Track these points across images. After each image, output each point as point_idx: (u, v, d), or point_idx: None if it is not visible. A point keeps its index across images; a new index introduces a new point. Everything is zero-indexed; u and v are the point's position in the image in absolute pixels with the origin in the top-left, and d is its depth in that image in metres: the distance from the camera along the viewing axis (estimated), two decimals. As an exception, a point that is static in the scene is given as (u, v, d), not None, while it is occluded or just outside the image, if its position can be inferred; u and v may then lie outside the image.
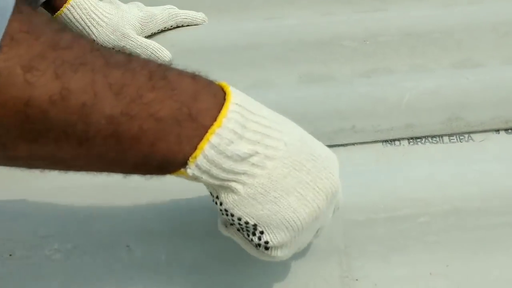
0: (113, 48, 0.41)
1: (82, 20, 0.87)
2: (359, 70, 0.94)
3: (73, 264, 0.62)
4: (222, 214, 0.46)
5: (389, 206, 0.67)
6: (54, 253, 0.62)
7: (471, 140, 0.81)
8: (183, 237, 0.64)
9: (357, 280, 0.64)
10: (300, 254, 0.64)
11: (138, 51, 0.92)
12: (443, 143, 0.83)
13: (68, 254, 0.62)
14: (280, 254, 0.47)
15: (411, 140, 0.84)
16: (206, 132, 0.40)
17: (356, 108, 0.82)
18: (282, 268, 0.64)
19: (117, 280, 0.62)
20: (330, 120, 0.81)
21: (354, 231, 0.67)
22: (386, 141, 0.84)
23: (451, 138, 0.83)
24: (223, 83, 0.44)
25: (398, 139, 0.84)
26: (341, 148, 0.83)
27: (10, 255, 0.63)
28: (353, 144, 0.83)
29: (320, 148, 0.50)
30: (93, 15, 0.88)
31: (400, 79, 0.89)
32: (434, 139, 0.83)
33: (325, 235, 0.62)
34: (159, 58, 0.93)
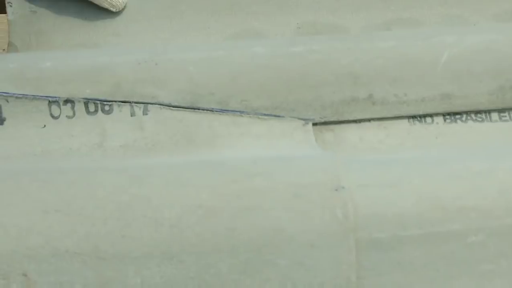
0: None
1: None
2: (377, 20, 0.70)
3: None
4: None
5: (423, 218, 0.45)
6: None
7: (530, 119, 0.60)
8: (112, 262, 0.42)
9: (375, 328, 0.43)
10: (295, 280, 0.42)
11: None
12: (491, 121, 0.60)
13: None
14: None
15: (448, 117, 0.61)
16: None
17: (374, 70, 0.59)
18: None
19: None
20: (338, 86, 0.58)
21: (372, 256, 0.45)
22: (414, 117, 0.62)
23: (502, 115, 0.61)
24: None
25: (431, 115, 0.62)
26: (353, 126, 0.60)
27: None
28: (368, 120, 0.60)
29: None
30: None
31: (433, 33, 0.65)
32: (479, 115, 0.61)
33: (329, 259, 0.41)
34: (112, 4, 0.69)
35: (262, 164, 0.47)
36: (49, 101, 0.57)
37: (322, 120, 0.60)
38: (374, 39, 0.62)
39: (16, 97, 0.56)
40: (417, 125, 0.61)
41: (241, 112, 0.58)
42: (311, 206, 0.44)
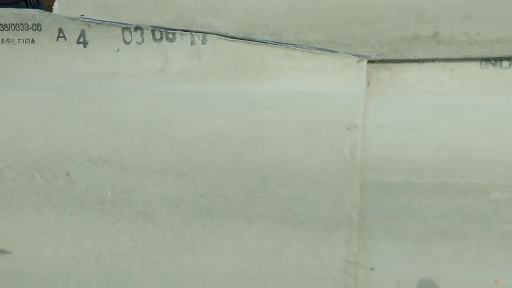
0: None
1: None
2: None
3: (7, 187, 0.50)
4: None
5: (442, 167, 0.42)
6: (-14, 170, 0.50)
7: None
8: (134, 173, 0.47)
9: (372, 269, 0.43)
10: (293, 218, 0.43)
11: None
12: None
13: (1, 174, 0.50)
14: None
15: (528, 62, 0.53)
16: None
17: (442, 4, 0.53)
18: (265, 238, 0.45)
19: (56, 214, 0.49)
20: (400, 21, 0.54)
21: (380, 199, 0.43)
22: (487, 59, 0.55)
23: None
24: None
25: (509, 58, 0.54)
26: (414, 65, 0.56)
27: None
28: (432, 60, 0.55)
29: None
30: None
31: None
32: None
33: (331, 196, 0.41)
34: None
35: (282, 98, 0.48)
36: (122, 27, 0.62)
37: (379, 58, 0.56)
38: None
39: (96, 23, 0.63)
40: (489, 69, 0.54)
41: (294, 45, 0.58)
42: (319, 142, 0.44)
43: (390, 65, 0.57)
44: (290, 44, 0.58)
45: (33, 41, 0.65)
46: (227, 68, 0.58)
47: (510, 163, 0.41)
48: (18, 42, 0.65)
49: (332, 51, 0.57)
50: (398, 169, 0.42)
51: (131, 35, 0.62)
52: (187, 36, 0.61)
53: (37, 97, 0.52)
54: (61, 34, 0.64)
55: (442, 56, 0.55)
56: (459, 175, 0.41)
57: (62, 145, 0.49)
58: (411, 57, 0.56)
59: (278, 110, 0.46)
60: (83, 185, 0.48)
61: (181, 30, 0.61)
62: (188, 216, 0.47)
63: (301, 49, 0.58)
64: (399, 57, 0.56)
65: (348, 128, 0.43)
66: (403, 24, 0.54)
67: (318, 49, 0.58)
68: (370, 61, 0.57)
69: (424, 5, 0.54)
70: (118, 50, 0.62)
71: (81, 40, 0.64)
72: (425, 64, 0.56)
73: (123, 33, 0.62)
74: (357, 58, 0.57)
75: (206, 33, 0.60)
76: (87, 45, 0.64)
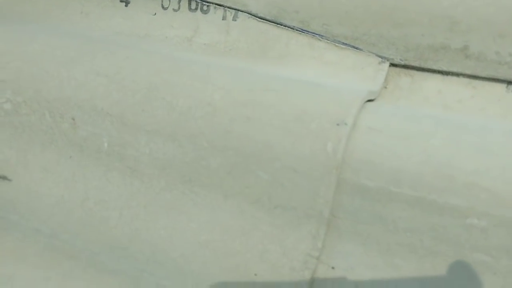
0: None
1: None
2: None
3: (21, 121, 0.53)
4: None
5: (423, 181, 0.40)
6: (5, 102, 0.54)
7: None
8: (130, 129, 0.49)
9: (333, 268, 0.42)
10: (267, 201, 0.44)
11: None
12: None
13: (17, 107, 0.53)
14: None
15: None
16: None
17: (478, 18, 0.51)
18: (237, 216, 0.46)
19: (58, 154, 0.52)
20: (430, 29, 0.52)
21: (355, 200, 0.43)
22: (515, 83, 0.52)
23: None
24: None
25: (536, 84, 0.51)
26: (437, 76, 0.54)
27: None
28: (457, 74, 0.53)
29: None
30: None
31: None
32: None
33: (307, 188, 0.41)
34: None
35: (286, 83, 0.47)
36: (162, -8, 0.64)
37: (402, 63, 0.55)
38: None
39: (139, -16, 0.65)
40: (515, 94, 0.51)
41: (321, 36, 0.57)
42: (306, 132, 0.43)
43: (413, 72, 0.55)
44: (317, 34, 0.58)
45: (81, -8, 0.68)
46: (251, 47, 0.59)
47: (493, 190, 0.39)
48: (69, -9, 0.69)
49: (357, 48, 0.56)
50: (378, 175, 0.41)
51: (170, 1, 0.64)
52: (220, 10, 0.62)
53: (64, 43, 0.55)
54: (107, -10, 0.67)
55: (468, 72, 0.53)
56: (439, 193, 0.40)
57: (73, 91, 0.51)
58: (435, 67, 0.54)
59: (275, 94, 0.46)
60: (84, 132, 0.51)
61: (216, 3, 0.62)
62: (172, 180, 0.48)
63: (326, 40, 0.57)
64: (423, 65, 0.54)
65: (337, 124, 0.43)
66: (433, 32, 0.52)
67: (343, 43, 0.57)
68: (393, 65, 0.56)
69: (458, 15, 0.51)
70: (155, 14, 0.64)
71: (124, -1, 0.66)
72: (449, 77, 0.54)
73: (162, -2, 0.65)
74: (380, 59, 0.55)
75: (239, 10, 0.61)
76: (129, 5, 0.66)
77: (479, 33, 0.51)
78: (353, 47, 0.56)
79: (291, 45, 0.58)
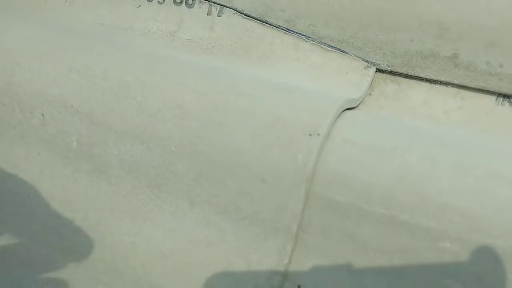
0: None
1: None
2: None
3: (-11, 114, 0.52)
4: None
5: (395, 199, 0.38)
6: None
7: None
8: (99, 128, 0.47)
9: (299, 286, 0.40)
10: (234, 212, 0.42)
11: None
12: None
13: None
14: None
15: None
16: None
17: (470, 26, 0.48)
18: (202, 226, 0.44)
19: (27, 150, 0.50)
20: (419, 34, 0.50)
21: (324, 215, 0.40)
22: (505, 96, 0.49)
23: None
24: None
25: (529, 100, 0.49)
26: (424, 85, 0.52)
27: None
28: (445, 84, 0.51)
29: None
30: None
31: None
32: None
33: (275, 200, 0.39)
34: None
35: (262, 87, 0.45)
36: (148, -15, 0.62)
37: (389, 69, 0.52)
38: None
39: (125, -24, 0.63)
40: (505, 107, 0.49)
41: (307, 37, 0.55)
42: (277, 141, 0.41)
43: (400, 79, 0.53)
44: (302, 34, 0.55)
45: (67, -19, 0.66)
46: (234, 45, 0.57)
47: (467, 213, 0.36)
48: (54, -20, 0.67)
49: (342, 51, 0.54)
50: (349, 190, 0.39)
51: (155, -7, 0.62)
52: (206, 5, 0.60)
53: (39, 35, 0.53)
54: (92, -20, 0.65)
55: (456, 82, 0.50)
56: (411, 213, 0.38)
57: (44, 86, 0.50)
58: (423, 75, 0.51)
59: (248, 98, 0.44)
60: (54, 129, 0.49)
61: (201, 0, 0.60)
62: (139, 184, 0.46)
63: (312, 42, 0.55)
64: (410, 72, 0.52)
65: (310, 134, 0.40)
66: (422, 38, 0.50)
67: (329, 46, 0.54)
68: (379, 70, 0.53)
69: (449, 22, 0.49)
70: (140, 6, 0.62)
71: (109, -11, 0.64)
72: (437, 86, 0.51)
73: (148, -10, 0.62)
74: (366, 64, 0.53)
75: (224, 6, 0.59)
76: (113, -5, 0.64)
77: (470, 41, 0.48)
78: (339, 50, 0.54)
79: (275, 45, 0.56)
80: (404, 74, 0.52)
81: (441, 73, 0.50)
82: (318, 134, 0.40)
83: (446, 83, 0.51)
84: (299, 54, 0.55)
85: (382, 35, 0.51)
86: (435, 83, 0.51)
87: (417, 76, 0.51)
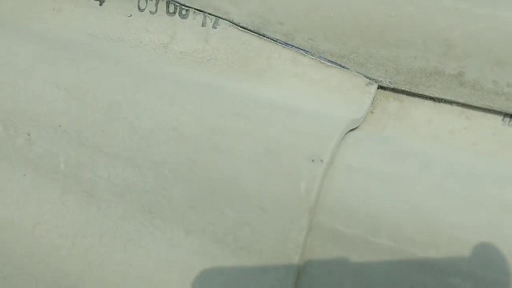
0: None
1: None
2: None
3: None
4: None
5: (404, 232, 0.36)
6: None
7: None
8: (88, 150, 0.45)
9: (300, 322, 0.38)
10: (233, 242, 0.39)
11: None
12: None
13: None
14: None
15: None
16: None
17: (476, 43, 0.46)
18: (198, 255, 0.41)
19: (11, 171, 0.47)
20: (424, 51, 0.48)
21: (328, 248, 0.38)
22: (512, 116, 0.48)
23: None
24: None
25: (538, 119, 0.47)
26: (427, 103, 0.50)
27: None
28: (450, 103, 0.49)
29: None
30: None
31: None
32: None
33: (275, 231, 0.37)
34: None
35: (261, 108, 0.43)
36: (140, -7, 0.59)
37: (391, 86, 0.50)
38: (498, 4, 0.47)
39: (115, -16, 0.60)
40: (512, 128, 0.47)
41: (305, 51, 0.53)
42: (277, 168, 0.39)
43: (403, 96, 0.51)
44: (301, 48, 0.53)
45: (54, -12, 0.63)
46: (230, 59, 0.54)
47: (480, 248, 0.34)
48: (41, -13, 0.64)
49: (343, 67, 0.52)
50: (354, 221, 0.37)
51: (146, 2, 0.59)
52: (200, 16, 0.57)
53: (24, 48, 0.51)
54: (81, -13, 0.62)
55: (461, 101, 0.48)
56: (420, 246, 0.36)
57: (30, 104, 0.47)
58: (427, 93, 0.50)
59: (248, 121, 0.42)
60: (40, 149, 0.46)
61: (196, 8, 0.57)
62: (131, 209, 0.44)
63: (311, 56, 0.53)
64: (414, 90, 0.50)
65: (312, 160, 0.38)
66: (427, 55, 0.48)
67: (329, 61, 0.52)
68: (381, 87, 0.51)
69: (455, 38, 0.47)
70: (131, 15, 0.60)
71: (99, -3, 0.62)
72: (441, 104, 0.49)
73: (139, -1, 0.60)
74: (367, 81, 0.51)
75: (219, 17, 0.56)
76: (103, 4, 0.61)
77: (477, 59, 0.46)
78: (340, 65, 0.52)
79: (273, 59, 0.53)
80: (407, 91, 0.50)
81: (446, 92, 0.48)
82: (321, 161, 0.38)
83: (451, 102, 0.49)
84: (297, 69, 0.52)
85: (384, 51, 0.49)
86: (439, 102, 0.49)
87: (421, 94, 0.49)
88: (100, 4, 0.61)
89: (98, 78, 0.47)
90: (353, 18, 0.50)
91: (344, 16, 0.50)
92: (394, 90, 0.51)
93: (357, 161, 0.39)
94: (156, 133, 0.42)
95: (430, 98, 0.50)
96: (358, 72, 0.51)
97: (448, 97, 0.48)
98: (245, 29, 0.55)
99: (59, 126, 0.45)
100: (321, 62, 0.52)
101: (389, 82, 0.50)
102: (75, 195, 0.46)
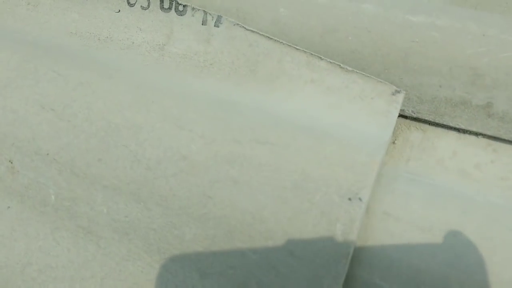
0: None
1: None
2: None
3: None
4: None
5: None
6: None
7: None
8: (83, 182, 0.39)
9: None
10: (261, 282, 0.35)
11: None
12: None
13: None
14: None
15: None
16: None
17: (506, 73, 0.41)
18: None
19: (-8, 203, 0.41)
20: (449, 80, 0.43)
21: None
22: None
23: None
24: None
25: None
26: (452, 134, 0.45)
27: None
28: (476, 134, 0.44)
29: None
30: None
31: None
32: None
33: (306, 279, 0.32)
34: None
35: (284, 131, 0.37)
36: (129, -14, 0.52)
37: (414, 115, 0.45)
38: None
39: (101, -26, 0.53)
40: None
41: (321, 57, 0.47)
42: (308, 206, 0.34)
43: (425, 126, 0.46)
44: (316, 55, 0.47)
45: (29, -21, 0.56)
46: (236, 62, 0.48)
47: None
48: (14, -24, 0.56)
49: (365, 75, 0.46)
50: (395, 275, 0.33)
51: (137, -4, 0.52)
52: (200, 13, 0.50)
53: (1, 58, 0.44)
54: (61, -22, 0.55)
55: (489, 133, 0.44)
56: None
57: (11, 127, 0.40)
58: (452, 124, 0.45)
59: (270, 148, 0.36)
60: (26, 179, 0.40)
61: (194, 7, 0.51)
62: (136, 248, 0.38)
63: (328, 61, 0.47)
64: (438, 120, 0.45)
65: (349, 199, 0.33)
66: (452, 84, 0.43)
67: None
68: (402, 116, 0.47)
69: (483, 67, 0.41)
70: (119, 11, 0.53)
71: (82, -10, 0.54)
72: (466, 136, 0.45)
73: (129, -8, 0.53)
74: (394, 88, 0.46)
75: (222, 16, 0.50)
76: (87, -1, 0.54)
77: (506, 89, 0.42)
78: (362, 73, 0.46)
79: (285, 63, 0.48)
80: (431, 121, 0.45)
81: (472, 123, 0.44)
82: (360, 199, 0.33)
83: (476, 134, 0.44)
84: (314, 75, 0.47)
85: (407, 78, 0.44)
86: (464, 133, 0.45)
87: (445, 125, 0.45)
88: (84, -2, 0.54)
89: (90, 95, 0.40)
90: (374, 43, 0.44)
91: (364, 40, 0.44)
92: (416, 119, 0.46)
93: (395, 208, 0.34)
94: (163, 163, 0.37)
95: (454, 128, 0.45)
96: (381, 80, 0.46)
97: (474, 129, 0.44)
98: (253, 30, 0.49)
99: (47, 154, 0.39)
100: (341, 67, 0.47)
101: (412, 111, 0.45)
102: (69, 231, 0.40)
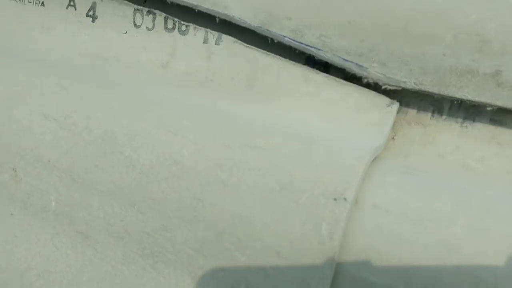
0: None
1: None
2: None
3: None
4: None
5: (444, 281, 0.32)
6: None
7: None
8: (81, 187, 0.40)
9: None
10: (250, 283, 0.35)
11: None
12: None
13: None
14: None
15: None
16: None
17: None
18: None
19: (-3, 211, 0.43)
20: (454, 48, 0.42)
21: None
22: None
23: None
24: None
25: None
26: (454, 128, 0.45)
27: None
28: (484, 106, 0.44)
29: None
30: None
31: None
32: None
33: (294, 278, 0.32)
34: None
35: (273, 136, 0.38)
36: (135, 8, 0.55)
37: (417, 88, 0.45)
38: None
39: (109, -2, 0.56)
40: (549, 151, 0.42)
41: (317, 49, 0.47)
42: (294, 207, 0.34)
43: (425, 120, 0.46)
44: (313, 47, 0.47)
45: (43, 4, 0.59)
46: (236, 78, 0.50)
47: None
48: (28, 2, 0.60)
49: (360, 87, 0.47)
50: (384, 269, 0.33)
51: (143, 18, 0.55)
52: (201, 32, 0.53)
53: (8, 73, 0.46)
54: (71, 3, 0.58)
55: (499, 104, 0.43)
56: (462, 296, 0.31)
57: (15, 137, 0.42)
58: (458, 95, 0.44)
59: (258, 152, 0.37)
60: (28, 186, 0.42)
61: (196, 25, 0.53)
62: (130, 252, 0.39)
63: (324, 75, 0.48)
64: (443, 92, 0.44)
65: (335, 199, 0.34)
66: (458, 52, 0.42)
67: (344, 59, 0.47)
68: (402, 111, 0.47)
69: (490, 33, 0.41)
70: (126, 32, 0.55)
71: (91, 13, 0.57)
72: (468, 129, 0.45)
73: (134, 14, 0.55)
74: (388, 100, 0.46)
75: (223, 33, 0.52)
76: (96, 20, 0.57)
77: None
78: (357, 64, 0.46)
79: (282, 77, 0.49)
80: (435, 94, 0.44)
81: (480, 93, 0.43)
82: (345, 199, 0.34)
83: (485, 105, 0.43)
84: (310, 88, 0.48)
85: (409, 48, 0.44)
86: (466, 126, 0.45)
87: (451, 97, 0.44)
88: (93, 21, 0.57)
89: (90, 106, 0.42)
90: (372, 11, 0.44)
91: (361, 9, 0.44)
92: (417, 112, 0.46)
93: (385, 200, 0.35)
94: (156, 168, 0.38)
95: (456, 122, 0.45)
96: (380, 73, 0.46)
97: (483, 100, 0.43)
98: (251, 47, 0.50)
99: (49, 161, 0.41)
100: (336, 80, 0.48)
101: (415, 83, 0.45)
102: (68, 236, 0.41)
